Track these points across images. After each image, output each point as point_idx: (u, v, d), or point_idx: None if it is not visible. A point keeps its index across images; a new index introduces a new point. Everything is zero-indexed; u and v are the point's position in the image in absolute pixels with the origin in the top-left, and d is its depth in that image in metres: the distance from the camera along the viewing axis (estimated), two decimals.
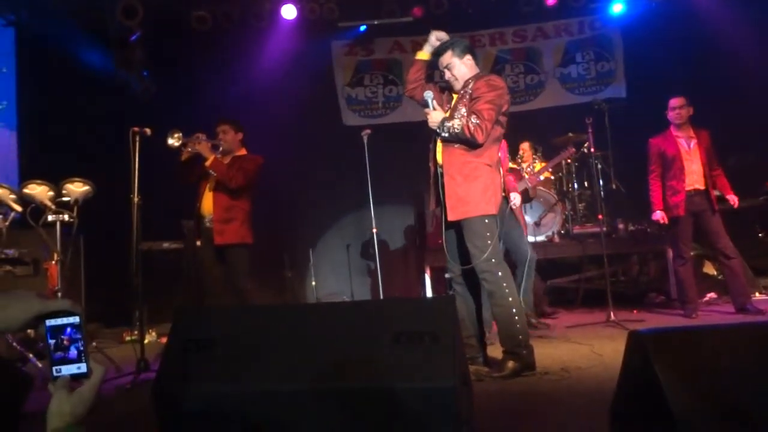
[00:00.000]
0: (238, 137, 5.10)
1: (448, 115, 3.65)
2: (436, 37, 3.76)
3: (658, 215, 5.56)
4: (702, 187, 5.42)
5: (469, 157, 3.61)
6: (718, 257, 5.52)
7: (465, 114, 3.56)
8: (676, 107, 5.51)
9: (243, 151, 5.12)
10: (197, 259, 5.03)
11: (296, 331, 2.12)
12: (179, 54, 7.86)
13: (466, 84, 3.70)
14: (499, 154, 3.95)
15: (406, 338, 1.94)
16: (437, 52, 3.80)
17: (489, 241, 3.56)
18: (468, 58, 3.77)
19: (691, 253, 5.67)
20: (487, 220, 3.58)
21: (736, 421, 1.35)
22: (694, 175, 5.44)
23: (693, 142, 5.50)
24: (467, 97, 3.64)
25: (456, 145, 3.63)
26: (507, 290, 3.56)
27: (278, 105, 7.70)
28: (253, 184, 5.01)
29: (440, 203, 3.73)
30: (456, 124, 3.54)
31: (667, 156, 5.51)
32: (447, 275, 4.70)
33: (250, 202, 5.02)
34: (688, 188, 5.40)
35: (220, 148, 4.91)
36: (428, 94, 3.68)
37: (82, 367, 1.21)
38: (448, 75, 3.78)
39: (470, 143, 3.56)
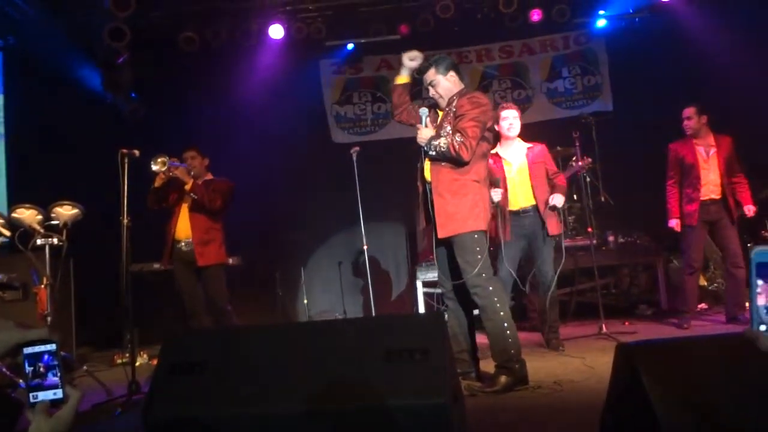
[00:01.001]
0: (205, 162, 5.27)
1: (434, 133, 3.67)
2: (408, 58, 3.77)
3: (674, 223, 5.49)
4: (718, 197, 5.35)
5: (457, 175, 3.63)
6: (726, 266, 5.48)
7: (450, 132, 3.58)
8: (685, 118, 5.47)
9: (209, 176, 5.28)
10: (176, 283, 5.05)
11: (286, 351, 2.12)
12: (167, 75, 7.88)
13: (450, 101, 3.73)
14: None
15: (398, 356, 1.95)
16: (421, 70, 3.82)
17: (479, 256, 3.57)
18: (452, 74, 3.79)
19: (701, 264, 5.64)
20: (476, 236, 3.60)
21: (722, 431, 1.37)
22: (710, 185, 5.37)
23: (712, 151, 5.43)
24: (451, 114, 3.67)
25: (443, 163, 3.66)
26: (498, 304, 3.56)
27: (267, 124, 7.73)
28: (228, 206, 5.18)
29: (430, 221, 3.75)
30: (442, 142, 3.56)
31: (685, 163, 5.44)
32: (438, 291, 4.70)
33: (224, 223, 5.20)
34: (703, 198, 5.34)
35: (192, 173, 4.98)
36: (423, 111, 3.72)
37: (58, 393, 1.24)
38: (432, 92, 3.81)
39: (456, 161, 3.58)
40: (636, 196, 6.88)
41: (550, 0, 7.64)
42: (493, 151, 4.87)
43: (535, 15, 7.67)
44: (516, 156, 5.03)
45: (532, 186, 4.93)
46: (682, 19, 7.44)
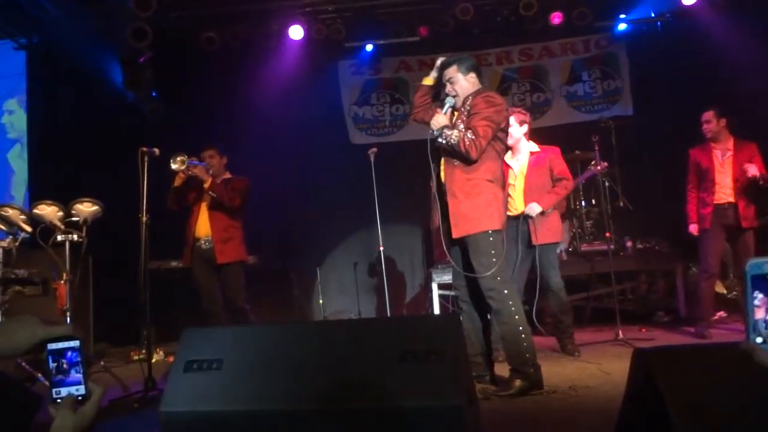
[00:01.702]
0: (223, 161, 5.30)
1: (449, 123, 3.67)
2: (442, 62, 3.79)
3: (692, 228, 5.46)
4: (734, 200, 5.27)
5: (470, 174, 3.62)
6: (741, 273, 5.39)
7: (463, 129, 3.58)
8: (704, 121, 5.42)
9: (228, 175, 5.30)
10: (194, 281, 5.09)
11: (302, 350, 2.13)
12: (188, 74, 7.95)
13: (465, 100, 3.73)
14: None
15: (413, 357, 1.95)
16: (444, 65, 3.83)
17: (494, 259, 3.55)
18: (472, 75, 3.79)
19: (717, 269, 5.56)
20: (491, 236, 3.57)
21: None
22: (725, 189, 5.30)
23: (728, 155, 5.36)
24: (465, 113, 3.67)
25: (456, 163, 3.66)
26: (513, 308, 3.54)
27: (285, 124, 7.77)
28: (246, 204, 5.20)
29: (444, 221, 3.74)
30: (454, 135, 3.55)
31: (702, 167, 5.41)
32: (453, 293, 4.68)
33: (243, 221, 5.23)
34: (717, 201, 5.29)
35: (210, 171, 5.01)
36: (450, 100, 3.75)
37: (81, 389, 1.25)
38: (449, 88, 3.80)
39: (464, 158, 3.57)
40: (655, 201, 6.83)
41: (570, 3, 7.60)
42: None
43: (556, 18, 7.64)
44: (519, 161, 5.03)
45: (524, 192, 4.92)
46: (704, 23, 7.37)
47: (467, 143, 3.50)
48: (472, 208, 3.59)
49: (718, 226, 5.30)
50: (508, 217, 4.86)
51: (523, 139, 5.02)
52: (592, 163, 5.99)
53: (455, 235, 3.64)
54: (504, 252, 3.63)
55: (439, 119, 3.66)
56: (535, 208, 4.80)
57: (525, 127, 5.01)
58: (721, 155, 5.39)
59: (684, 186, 5.60)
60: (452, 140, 3.55)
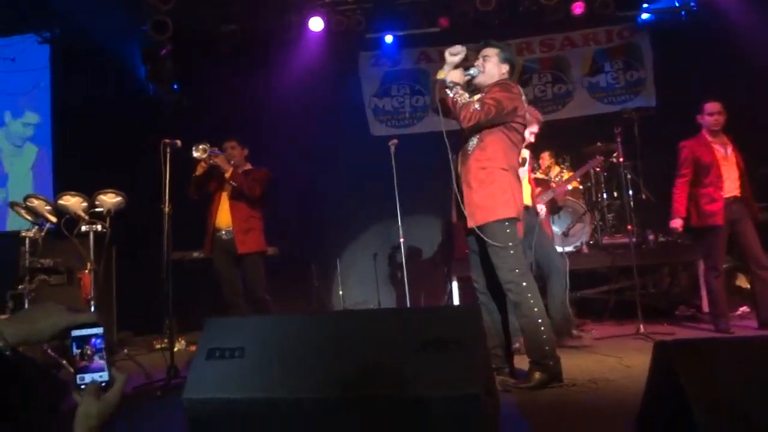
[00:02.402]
0: (244, 153, 5.33)
1: (463, 83, 3.63)
2: (450, 53, 3.66)
3: (678, 223, 5.33)
4: (739, 194, 5.23)
5: (484, 163, 3.59)
6: (750, 267, 5.32)
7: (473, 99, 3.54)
8: (715, 112, 5.29)
9: (248, 166, 5.33)
10: (215, 271, 5.13)
11: (323, 339, 2.15)
12: (209, 67, 8.00)
13: (486, 88, 3.69)
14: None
15: (432, 346, 1.95)
16: (488, 43, 3.80)
17: (511, 251, 3.53)
18: (505, 67, 3.77)
19: (725, 265, 5.50)
20: (506, 224, 3.54)
21: None
22: (732, 182, 5.23)
23: (729, 148, 5.31)
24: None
25: (471, 152, 3.63)
26: (532, 300, 3.53)
27: (306, 116, 7.79)
28: (267, 195, 5.23)
29: (462, 215, 3.72)
30: (465, 96, 3.50)
31: (702, 163, 5.28)
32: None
33: (263, 212, 5.25)
34: (726, 195, 5.19)
35: (231, 162, 5.04)
36: (474, 71, 3.69)
37: (104, 376, 1.27)
38: (479, 62, 3.76)
39: (457, 119, 3.52)
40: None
41: None
42: None
43: (578, 8, 7.56)
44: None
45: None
46: (729, 12, 7.23)
47: (471, 109, 3.45)
48: (486, 197, 3.56)
49: (727, 221, 5.19)
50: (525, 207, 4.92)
51: None
52: (614, 155, 5.96)
53: (470, 224, 3.61)
54: (519, 242, 3.61)
55: (457, 74, 3.60)
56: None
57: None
58: (723, 149, 5.30)
59: None
60: (460, 99, 3.49)
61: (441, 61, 3.84)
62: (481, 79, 3.74)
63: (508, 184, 3.58)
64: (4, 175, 8.20)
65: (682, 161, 5.41)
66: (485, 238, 3.55)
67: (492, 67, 3.74)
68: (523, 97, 3.70)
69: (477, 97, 3.59)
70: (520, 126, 3.71)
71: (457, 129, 3.78)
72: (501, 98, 3.53)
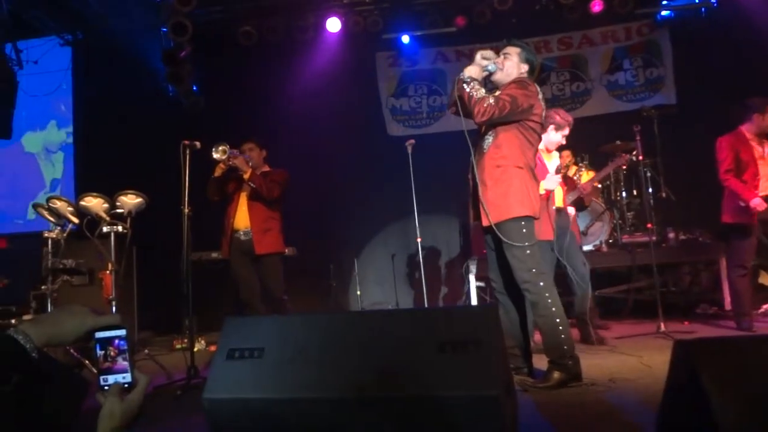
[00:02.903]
0: (262, 154, 5.34)
1: (480, 78, 3.63)
2: (482, 56, 3.67)
3: (758, 201, 5.07)
4: None
5: (499, 161, 3.57)
6: None
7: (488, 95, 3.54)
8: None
9: (266, 168, 5.34)
10: (232, 272, 5.16)
11: (342, 339, 2.16)
12: (227, 68, 8.06)
13: (503, 86, 3.68)
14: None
15: (450, 347, 1.95)
16: (511, 42, 3.80)
17: (528, 251, 3.51)
18: (525, 67, 3.75)
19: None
20: (523, 222, 3.51)
21: None
22: (766, 181, 5.19)
23: (766, 147, 5.27)
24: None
25: (486, 151, 3.63)
26: (550, 300, 3.51)
27: (323, 116, 7.82)
28: (285, 196, 5.25)
29: (478, 214, 3.71)
30: (482, 91, 3.49)
31: (741, 159, 5.21)
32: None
33: (281, 213, 5.26)
34: (761, 194, 5.14)
35: (250, 163, 5.06)
36: (493, 66, 3.68)
37: (127, 377, 1.29)
38: (499, 59, 3.74)
39: (471, 113, 3.50)
40: (698, 191, 6.67)
41: None
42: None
43: (596, 6, 7.50)
44: (553, 155, 5.10)
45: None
46: (749, 8, 7.14)
47: (485, 104, 3.43)
48: (500, 196, 3.54)
49: (760, 220, 5.15)
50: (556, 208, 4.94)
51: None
52: (634, 153, 5.90)
53: (485, 223, 3.60)
54: (536, 241, 3.58)
55: (474, 70, 3.60)
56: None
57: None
58: (760, 147, 5.25)
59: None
60: (476, 94, 3.47)
61: (458, 61, 3.84)
62: (499, 77, 3.74)
63: (523, 182, 3.56)
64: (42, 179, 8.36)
65: (724, 157, 5.30)
66: (501, 237, 3.54)
67: (511, 65, 3.73)
68: (540, 96, 3.67)
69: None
70: (537, 125, 3.67)
71: (477, 128, 3.78)
72: (517, 95, 3.51)
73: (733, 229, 5.28)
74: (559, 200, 5.06)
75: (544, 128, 3.98)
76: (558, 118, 4.94)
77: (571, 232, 4.99)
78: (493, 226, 3.56)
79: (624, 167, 6.51)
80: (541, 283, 3.51)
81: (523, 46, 3.81)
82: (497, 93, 3.59)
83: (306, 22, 7.75)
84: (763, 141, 5.29)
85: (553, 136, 4.96)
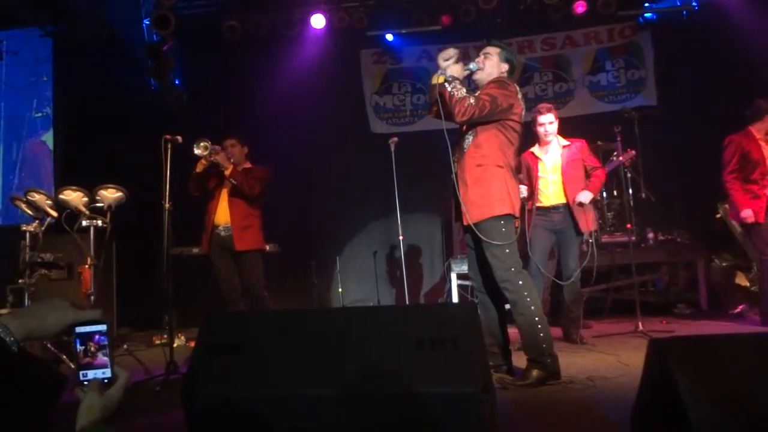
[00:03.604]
0: (244, 151, 5.31)
1: (462, 77, 3.66)
2: (443, 58, 3.67)
3: (749, 213, 5.18)
4: None
5: (479, 160, 3.61)
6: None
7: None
8: None
9: (248, 164, 5.32)
10: (213, 268, 5.14)
11: (320, 335, 2.16)
12: (210, 63, 8.00)
13: (484, 86, 3.71)
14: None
15: (429, 344, 1.97)
16: (490, 42, 3.84)
17: (507, 249, 3.54)
18: (505, 66, 3.80)
19: (724, 264, 5.50)
20: (502, 221, 3.55)
21: (755, 429, 1.35)
22: None
23: None
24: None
25: (466, 150, 3.66)
26: (529, 299, 3.54)
27: (306, 112, 7.80)
28: (266, 193, 5.23)
29: (459, 213, 3.73)
30: (463, 91, 3.52)
31: (750, 158, 5.26)
32: (470, 283, 4.72)
33: (262, 210, 5.24)
34: None
35: (231, 160, 5.04)
36: (474, 66, 3.73)
37: (107, 372, 1.29)
38: (479, 59, 3.79)
39: (452, 113, 3.53)
40: (678, 193, 6.77)
41: None
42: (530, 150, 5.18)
43: (580, 7, 7.56)
44: (551, 155, 5.15)
45: (563, 184, 5.04)
46: (730, 12, 7.23)
47: (465, 104, 3.47)
48: (481, 195, 3.57)
49: (766, 219, 5.20)
50: (539, 207, 5.00)
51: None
52: (614, 154, 5.96)
53: (466, 222, 3.63)
54: (515, 240, 3.62)
55: (457, 68, 3.62)
56: (587, 196, 4.95)
57: (557, 123, 5.13)
58: (767, 145, 5.32)
59: (708, 177, 5.49)
60: (457, 93, 3.50)
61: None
62: (480, 76, 3.78)
63: (503, 181, 3.59)
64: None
65: (730, 156, 5.36)
66: (480, 236, 3.57)
67: (492, 65, 3.78)
68: (520, 96, 3.71)
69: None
70: (517, 124, 3.71)
71: (458, 128, 3.80)
72: (496, 95, 3.55)
73: (750, 229, 5.32)
74: (549, 199, 5.09)
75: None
76: (555, 111, 5.15)
77: (572, 228, 5.02)
78: (472, 226, 3.58)
79: (627, 164, 6.48)
80: (520, 282, 3.54)
81: (503, 46, 3.85)
82: (477, 93, 3.61)
83: (291, 17, 7.71)
84: None
85: (554, 127, 5.09)
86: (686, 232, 6.79)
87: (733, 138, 5.41)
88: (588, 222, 5.01)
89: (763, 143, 5.32)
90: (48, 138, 8.22)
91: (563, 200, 5.03)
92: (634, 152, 5.87)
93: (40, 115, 8.22)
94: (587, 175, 5.11)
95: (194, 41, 7.84)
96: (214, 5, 7.71)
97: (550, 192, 5.08)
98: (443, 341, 1.94)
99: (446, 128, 3.65)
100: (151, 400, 3.71)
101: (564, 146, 5.14)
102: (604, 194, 6.86)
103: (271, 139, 6.76)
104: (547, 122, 5.07)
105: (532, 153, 5.19)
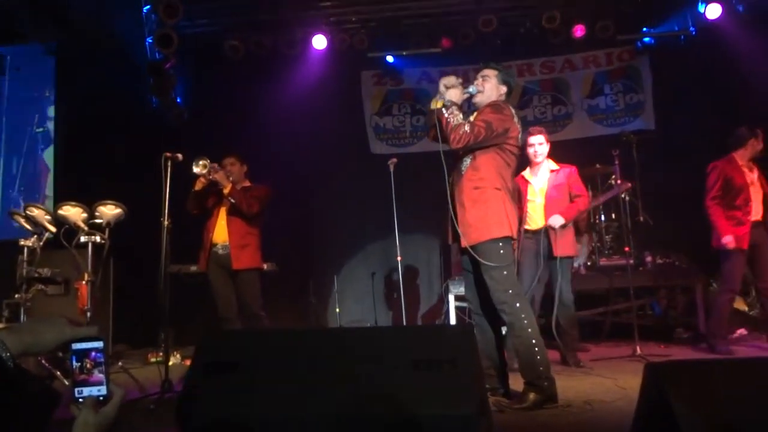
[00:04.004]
0: (243, 169, 5.33)
1: (460, 102, 3.68)
2: (445, 84, 3.70)
3: (730, 239, 5.21)
4: (761, 218, 5.32)
5: (477, 183, 3.63)
6: (765, 290, 5.35)
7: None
8: (762, 140, 5.36)
9: (247, 183, 5.33)
10: (210, 286, 5.13)
11: (317, 356, 2.15)
12: (212, 81, 8.05)
13: (480, 109, 3.75)
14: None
15: (426, 365, 1.96)
16: (488, 65, 3.89)
17: (505, 272, 3.54)
18: (503, 88, 3.84)
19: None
20: (500, 244, 3.55)
21: None
22: (758, 206, 5.32)
23: (756, 173, 5.41)
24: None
25: (464, 173, 3.68)
26: (526, 321, 3.53)
27: (307, 132, 7.82)
28: (265, 212, 5.23)
29: (457, 235, 3.74)
30: (460, 117, 3.55)
31: (734, 185, 5.33)
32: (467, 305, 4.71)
33: (261, 229, 5.24)
34: (753, 219, 5.26)
35: (230, 178, 5.05)
36: (473, 89, 3.77)
37: (103, 390, 1.28)
38: (478, 81, 3.83)
39: (447, 140, 3.58)
40: (676, 216, 6.77)
41: (593, 16, 7.59)
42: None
43: (578, 31, 7.64)
44: (539, 178, 5.24)
45: (545, 207, 5.12)
46: (728, 39, 7.30)
47: (461, 132, 3.51)
48: (479, 217, 3.59)
49: (750, 245, 5.24)
50: (527, 230, 5.04)
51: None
52: (612, 178, 5.99)
53: (463, 244, 3.64)
54: (514, 262, 3.62)
55: (455, 94, 3.64)
56: (558, 220, 4.98)
57: (548, 146, 5.21)
58: (750, 173, 5.39)
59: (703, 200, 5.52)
60: (453, 120, 3.54)
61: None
62: (480, 98, 3.81)
63: (501, 203, 3.61)
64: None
65: (713, 182, 5.44)
66: (478, 258, 3.57)
67: (491, 87, 3.81)
68: (516, 119, 3.74)
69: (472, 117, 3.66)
70: (514, 147, 3.75)
71: (455, 150, 3.82)
72: (491, 119, 3.58)
73: (724, 254, 5.34)
74: (537, 223, 5.14)
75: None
76: (546, 134, 5.25)
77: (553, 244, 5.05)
78: (469, 249, 3.60)
79: (624, 195, 6.53)
80: (518, 304, 3.54)
81: (500, 68, 3.90)
82: (472, 118, 3.65)
83: (292, 38, 7.77)
84: (753, 167, 5.42)
85: (544, 149, 5.18)
86: (684, 256, 6.79)
87: (716, 164, 5.47)
88: (564, 246, 5.02)
89: (746, 170, 5.39)
90: (48, 153, 8.23)
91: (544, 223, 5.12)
92: (630, 185, 5.92)
93: (41, 130, 8.23)
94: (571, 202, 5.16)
95: (196, 60, 7.89)
96: (217, 24, 7.78)
97: (538, 216, 5.15)
98: (440, 363, 1.94)
99: (443, 149, 3.68)
100: (145, 418, 3.68)
101: (552, 170, 5.22)
102: (602, 217, 6.88)
103: (271, 159, 6.78)
104: (537, 143, 5.14)
105: (523, 176, 5.26)
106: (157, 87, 7.56)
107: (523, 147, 5.04)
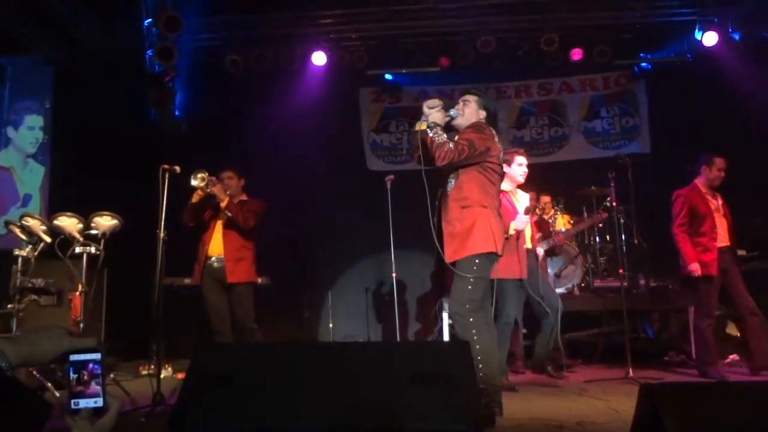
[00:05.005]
0: (241, 183, 5.37)
1: (443, 124, 3.82)
2: (428, 106, 3.85)
3: (696, 266, 5.27)
4: (728, 244, 5.37)
5: (463, 202, 3.75)
6: (741, 314, 5.37)
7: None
8: (723, 168, 5.43)
9: (244, 197, 5.35)
10: (203, 299, 5.12)
11: (312, 369, 2.15)
12: (211, 95, 8.08)
13: (461, 132, 3.87)
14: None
15: (421, 380, 1.96)
16: (468, 90, 4.06)
17: (470, 285, 3.62)
18: (483, 113, 3.98)
19: (717, 313, 5.55)
20: (477, 260, 3.65)
21: None
22: (723, 232, 5.37)
23: (719, 200, 5.47)
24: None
25: (449, 192, 3.81)
26: (476, 338, 3.56)
27: (304, 148, 7.85)
28: (261, 226, 5.26)
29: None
30: (444, 136, 3.69)
31: (698, 212, 5.39)
32: None
33: (256, 242, 5.26)
34: (719, 245, 5.31)
35: (227, 192, 5.06)
36: (454, 112, 3.92)
37: (99, 402, 1.28)
38: (459, 106, 3.99)
39: (433, 158, 3.69)
40: (670, 240, 6.78)
41: (591, 40, 7.68)
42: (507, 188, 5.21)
43: (576, 54, 7.73)
44: (523, 198, 5.32)
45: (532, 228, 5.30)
46: (724, 65, 7.40)
47: (445, 149, 3.63)
48: (463, 235, 3.69)
49: (719, 270, 5.29)
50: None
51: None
52: (608, 200, 6.04)
53: (447, 260, 3.75)
54: (486, 279, 3.69)
55: (438, 116, 3.79)
56: (521, 220, 4.97)
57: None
58: (714, 200, 5.46)
59: None
60: (437, 139, 3.68)
61: (440, 101, 3.94)
62: (460, 121, 3.97)
63: (486, 221, 3.71)
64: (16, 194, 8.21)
65: (678, 210, 5.50)
66: (454, 270, 3.68)
67: (470, 111, 3.98)
68: (496, 138, 3.86)
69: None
70: (496, 165, 3.87)
71: (440, 171, 3.90)
72: (474, 138, 3.72)
73: (694, 281, 5.38)
74: (528, 242, 5.19)
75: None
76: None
77: (539, 271, 5.11)
78: (451, 265, 3.71)
79: (600, 225, 6.65)
80: (471, 319, 3.62)
81: (481, 94, 4.09)
82: (456, 138, 3.79)
83: (292, 54, 7.83)
84: (716, 194, 5.51)
85: (524, 171, 5.23)
86: (678, 279, 6.80)
87: (680, 193, 5.56)
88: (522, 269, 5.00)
89: (709, 197, 5.45)
90: (46, 163, 8.22)
91: (529, 245, 5.20)
92: (605, 215, 6.05)
93: (39, 140, 8.23)
94: None
95: (196, 73, 7.93)
96: (218, 39, 7.83)
97: (527, 235, 5.21)
98: (436, 378, 1.94)
99: (425, 169, 3.83)
100: (136, 431, 3.65)
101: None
102: (597, 239, 6.91)
103: (268, 173, 6.79)
104: (525, 164, 5.23)
105: (512, 193, 5.29)
106: (157, 99, 7.59)
107: (508, 165, 5.08)
